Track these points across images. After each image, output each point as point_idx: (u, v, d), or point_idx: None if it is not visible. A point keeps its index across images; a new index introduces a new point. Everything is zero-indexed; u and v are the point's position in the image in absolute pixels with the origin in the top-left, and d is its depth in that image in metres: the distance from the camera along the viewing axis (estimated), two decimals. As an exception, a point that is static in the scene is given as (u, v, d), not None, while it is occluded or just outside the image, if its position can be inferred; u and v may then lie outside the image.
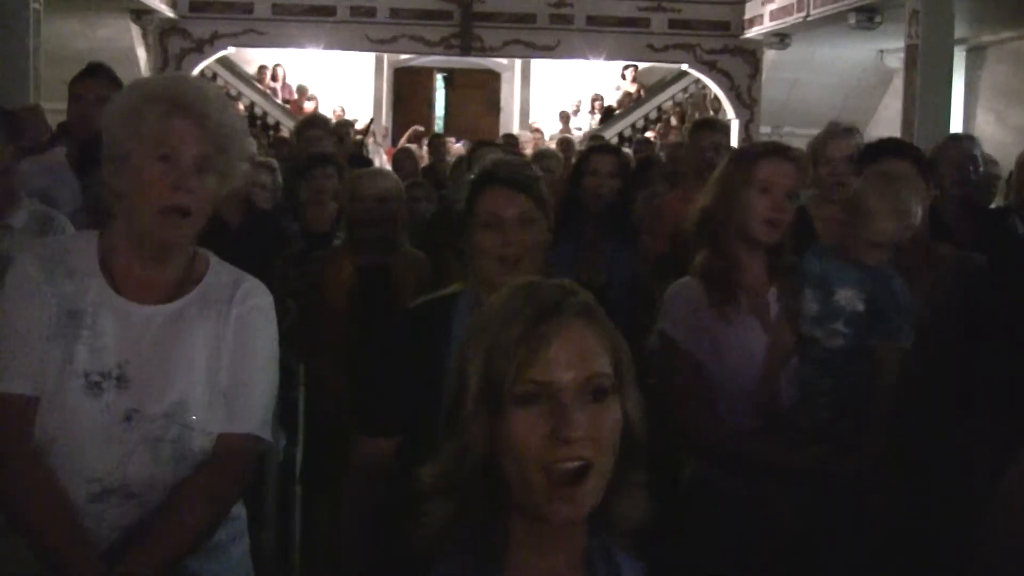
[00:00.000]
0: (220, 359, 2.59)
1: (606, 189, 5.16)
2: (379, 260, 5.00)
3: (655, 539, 1.86)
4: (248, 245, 4.48)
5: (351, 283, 4.99)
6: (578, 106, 20.76)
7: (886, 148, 4.26)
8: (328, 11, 16.98)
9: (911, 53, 12.04)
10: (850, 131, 5.21)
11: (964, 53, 14.09)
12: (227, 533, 2.71)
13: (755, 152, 3.60)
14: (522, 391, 1.64)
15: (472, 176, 3.17)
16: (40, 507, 2.43)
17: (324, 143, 7.67)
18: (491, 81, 22.20)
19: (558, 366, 1.65)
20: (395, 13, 17.12)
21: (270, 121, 17.98)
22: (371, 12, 17.07)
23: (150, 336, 2.53)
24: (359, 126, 16.11)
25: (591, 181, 5.18)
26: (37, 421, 2.46)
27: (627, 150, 11.97)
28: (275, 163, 6.81)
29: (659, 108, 19.51)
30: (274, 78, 19.69)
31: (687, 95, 19.41)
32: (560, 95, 20.86)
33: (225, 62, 17.98)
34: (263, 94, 18.83)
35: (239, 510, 2.80)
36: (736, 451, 3.42)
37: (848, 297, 3.50)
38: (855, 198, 3.63)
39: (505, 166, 3.15)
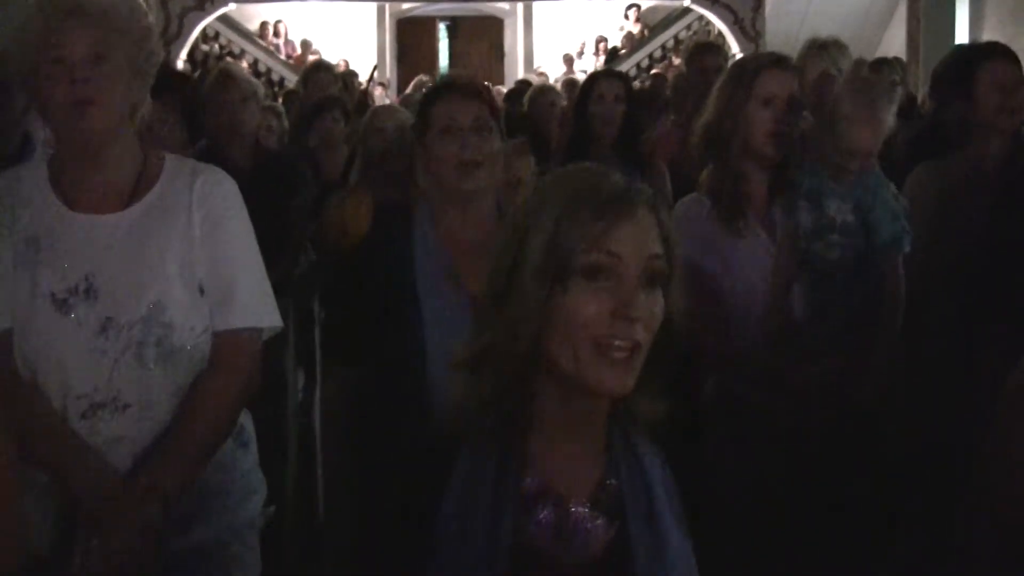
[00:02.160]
0: (193, 255, 2.58)
1: (614, 114, 5.14)
2: (397, 195, 5.00)
3: (675, 443, 1.90)
4: (262, 187, 4.48)
5: (371, 219, 5.00)
6: (582, 48, 20.66)
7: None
8: (329, -40, 16.94)
9: (914, -25, 12.02)
10: (825, 47, 5.15)
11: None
12: (234, 442, 2.72)
13: (755, 65, 3.58)
14: (593, 261, 1.67)
15: (423, 91, 3.19)
16: (39, 429, 2.45)
17: (331, 88, 7.65)
18: (494, 27, 22.10)
19: (630, 244, 1.69)
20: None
21: (274, 77, 17.93)
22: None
23: (115, 244, 2.53)
24: (363, 77, 16.07)
25: (598, 108, 5.16)
26: (16, 351, 2.48)
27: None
28: (280, 107, 6.81)
29: (663, 47, 19.39)
30: (276, 34, 19.61)
31: (691, 32, 19.30)
32: (564, 39, 20.76)
33: (227, 19, 17.93)
34: (266, 50, 18.79)
35: (245, 419, 2.79)
36: (751, 365, 3.44)
37: (838, 208, 3.49)
38: (830, 108, 3.61)
39: (458, 76, 3.18)
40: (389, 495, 1.83)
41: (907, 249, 3.52)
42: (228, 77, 5.39)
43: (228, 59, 15.74)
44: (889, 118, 3.59)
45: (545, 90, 7.95)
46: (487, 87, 3.18)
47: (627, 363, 1.68)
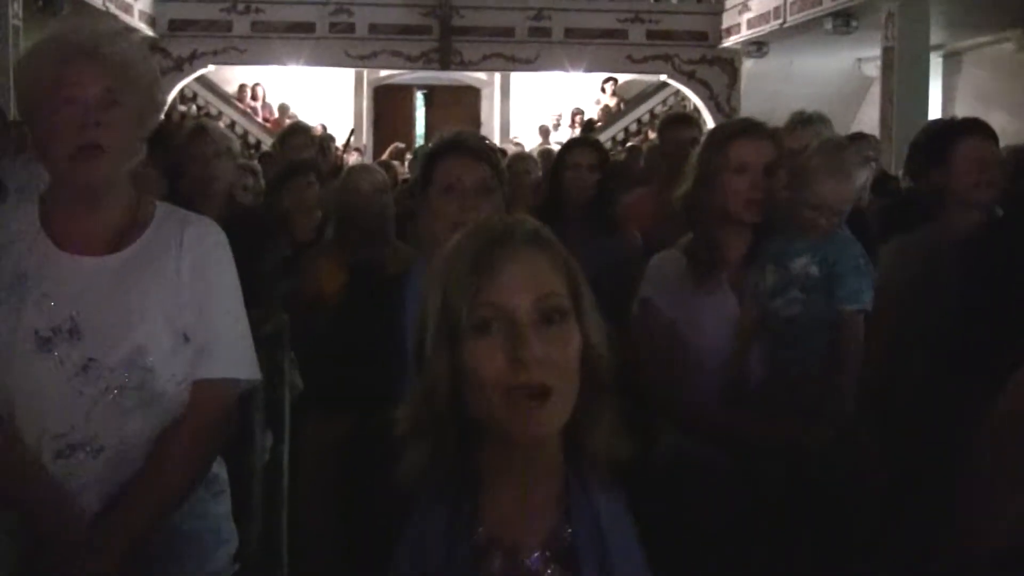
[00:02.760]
0: (178, 302, 2.56)
1: (588, 182, 5.16)
2: (371, 255, 5.00)
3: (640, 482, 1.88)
4: (235, 241, 4.46)
5: (344, 279, 4.99)
6: (558, 120, 20.78)
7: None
8: (308, 27, 17.06)
9: (887, 56, 12.17)
10: (810, 120, 5.21)
11: (941, 59, 14.21)
12: (207, 491, 2.70)
13: (728, 132, 3.61)
14: (477, 318, 1.66)
15: (431, 145, 3.18)
16: (11, 468, 2.43)
17: (307, 152, 7.66)
18: (471, 97, 22.22)
19: (510, 290, 1.67)
20: (374, 28, 17.20)
21: (251, 140, 17.97)
22: (350, 28, 17.15)
23: (102, 286, 2.51)
24: (339, 142, 16.11)
25: (572, 175, 5.17)
26: None
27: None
28: (257, 166, 6.80)
29: (639, 121, 19.55)
30: (254, 97, 19.69)
31: (667, 107, 19.45)
32: (540, 110, 20.88)
33: (204, 81, 18.00)
34: (243, 113, 18.85)
35: (219, 468, 2.77)
36: (708, 422, 3.43)
37: (803, 264, 3.50)
38: (799, 165, 3.63)
39: (465, 135, 3.16)
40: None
41: (867, 306, 3.53)
42: (202, 131, 5.39)
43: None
44: (858, 177, 3.63)
45: (521, 158, 7.98)
46: (495, 149, 3.16)
47: (541, 407, 1.65)
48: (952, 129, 4.44)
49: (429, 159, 3.11)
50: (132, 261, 2.56)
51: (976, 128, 4.35)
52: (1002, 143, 5.42)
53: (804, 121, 5.15)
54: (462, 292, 1.67)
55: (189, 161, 5.20)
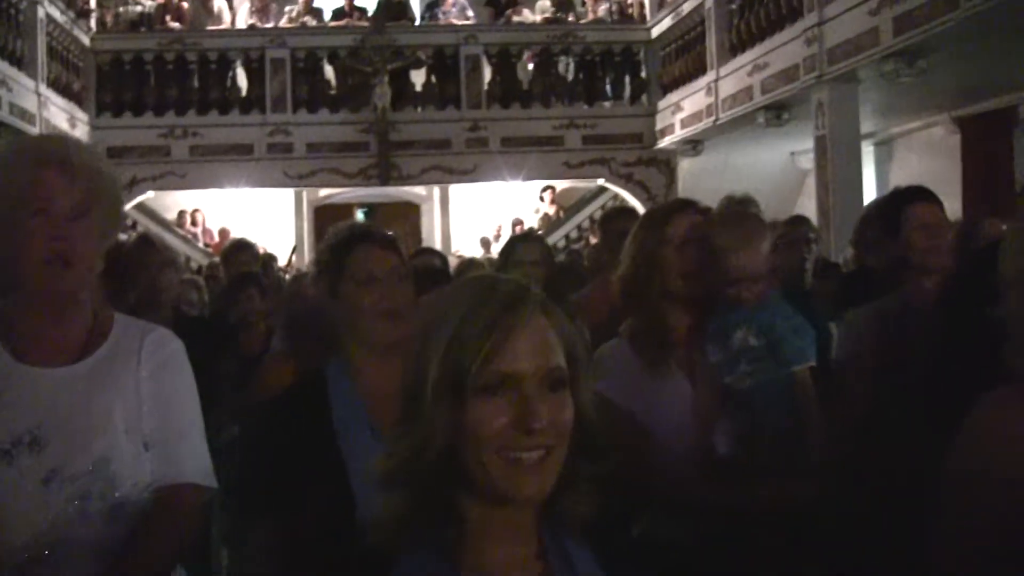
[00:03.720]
0: (140, 411, 2.58)
1: (533, 277, 5.16)
2: (320, 362, 4.96)
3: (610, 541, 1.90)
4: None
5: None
6: (499, 231, 20.88)
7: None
8: (246, 149, 17.11)
9: (820, 145, 12.35)
10: (742, 202, 5.28)
11: (872, 147, 14.44)
12: None
13: (663, 210, 3.68)
14: (487, 381, 1.68)
15: (338, 236, 3.19)
16: None
17: (251, 267, 7.66)
18: (411, 213, 22.31)
19: (521, 357, 1.70)
20: (312, 148, 17.29)
21: (193, 266, 17.93)
22: (288, 148, 17.22)
23: (63, 398, 2.51)
24: (281, 263, 16.13)
25: (517, 272, 5.18)
26: None
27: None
28: (201, 281, 6.80)
29: (579, 227, 19.67)
30: (194, 223, 19.67)
31: (605, 213, 19.56)
32: (480, 222, 21.00)
33: (144, 208, 17.97)
34: (184, 239, 18.81)
35: (180, 573, 2.76)
36: (683, 497, 3.42)
37: (741, 337, 3.53)
38: (709, 243, 3.66)
39: (372, 226, 3.20)
40: None
41: (812, 361, 3.55)
42: (148, 242, 5.40)
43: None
44: (764, 242, 3.65)
45: (471, 264, 8.05)
46: (399, 237, 3.20)
47: (539, 468, 1.69)
48: (899, 198, 4.51)
49: (339, 250, 3.12)
50: (93, 371, 2.57)
51: (921, 194, 4.43)
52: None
53: (738, 203, 5.22)
54: (472, 353, 1.69)
55: (136, 273, 5.19)
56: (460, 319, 1.72)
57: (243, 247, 8.42)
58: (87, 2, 16.97)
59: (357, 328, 3.06)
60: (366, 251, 3.08)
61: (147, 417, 2.59)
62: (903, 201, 4.42)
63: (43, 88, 14.09)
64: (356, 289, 3.04)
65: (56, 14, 14.87)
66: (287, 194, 19.91)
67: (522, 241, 5.57)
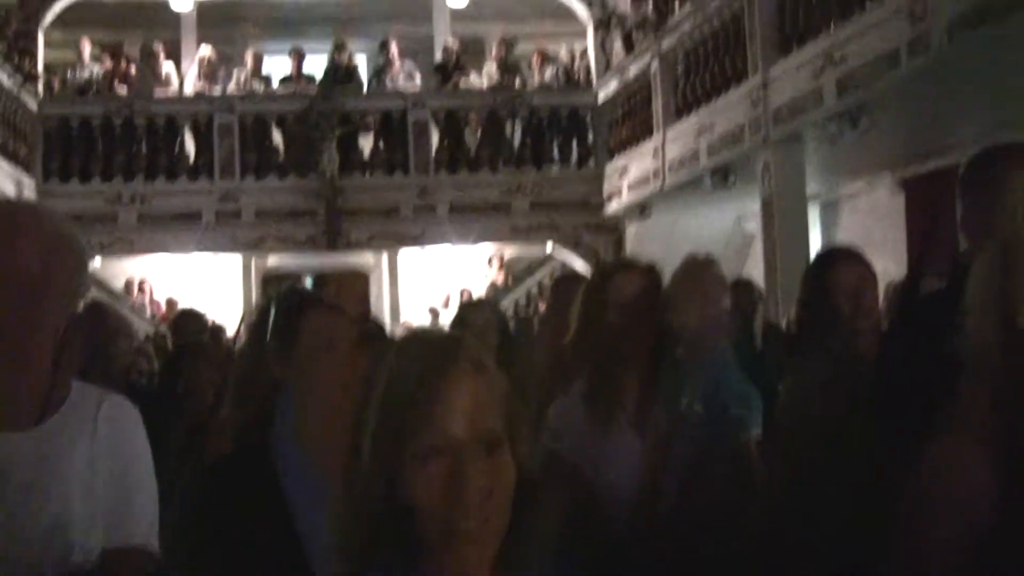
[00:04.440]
0: (95, 477, 2.56)
1: (487, 342, 5.17)
2: (262, 435, 4.91)
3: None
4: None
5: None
6: (447, 300, 20.86)
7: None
8: (194, 216, 17.08)
9: (767, 207, 12.45)
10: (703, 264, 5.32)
11: (819, 209, 14.57)
12: None
13: (607, 270, 3.71)
14: (419, 449, 1.66)
15: (285, 302, 3.17)
16: None
17: (200, 337, 7.63)
18: (360, 281, 22.24)
19: (454, 421, 1.66)
20: (261, 214, 17.29)
21: (140, 336, 17.75)
22: (237, 214, 17.21)
23: (19, 463, 2.48)
24: (230, 333, 16.02)
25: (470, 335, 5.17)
26: None
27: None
28: (151, 350, 6.76)
29: (527, 294, 19.69)
30: (141, 291, 19.54)
31: (553, 278, 19.61)
32: (429, 290, 20.96)
33: (91, 278, 17.84)
34: (132, 308, 18.65)
35: None
36: (627, 551, 3.43)
37: (688, 402, 3.56)
38: (665, 296, 3.68)
39: (323, 294, 3.19)
40: None
41: (756, 431, 3.57)
42: (99, 310, 5.37)
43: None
44: (719, 297, 3.68)
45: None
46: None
47: (476, 538, 1.67)
48: (824, 260, 4.52)
49: (289, 318, 3.10)
50: (49, 437, 2.55)
51: (843, 256, 4.43)
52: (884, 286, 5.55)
53: (698, 264, 5.25)
54: (402, 418, 1.66)
55: (86, 339, 5.15)
56: (391, 384, 1.70)
57: (191, 316, 8.39)
58: (34, 67, 16.96)
59: (319, 396, 3.00)
60: (320, 317, 3.06)
61: (103, 483, 2.57)
62: (827, 263, 4.43)
63: (-10, 153, 13.98)
64: (316, 357, 2.99)
65: (3, 79, 14.85)
66: (235, 262, 19.81)
67: (473, 308, 5.58)
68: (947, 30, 8.59)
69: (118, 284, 19.38)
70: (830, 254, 4.55)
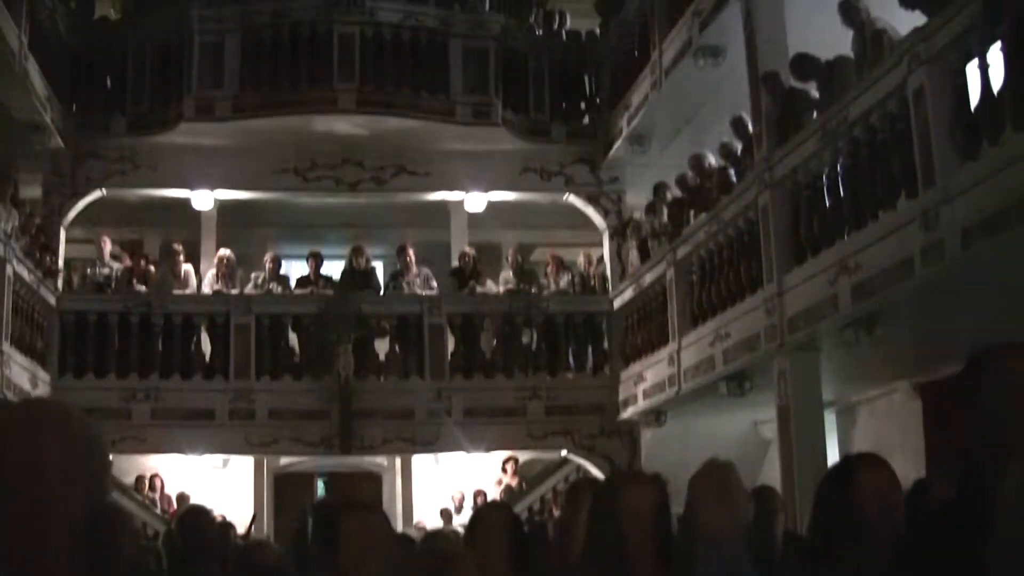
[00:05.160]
0: None
1: (502, 543, 5.09)
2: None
3: None
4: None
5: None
6: (460, 503, 20.68)
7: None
8: (208, 414, 17.05)
9: (783, 414, 12.39)
10: (725, 467, 5.27)
11: (835, 416, 14.50)
12: None
13: (615, 484, 3.69)
14: None
15: (323, 508, 3.17)
16: None
17: (208, 533, 7.55)
18: (372, 483, 22.09)
19: None
20: (274, 414, 17.25)
21: (150, 532, 17.59)
22: (250, 414, 17.17)
23: None
24: (240, 531, 15.85)
25: (484, 537, 5.10)
26: None
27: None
28: (160, 547, 6.68)
29: (542, 499, 19.50)
30: (152, 487, 19.41)
31: (568, 484, 19.47)
32: (442, 493, 20.79)
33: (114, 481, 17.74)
34: (142, 505, 18.51)
35: None
36: None
37: None
38: (687, 499, 3.65)
39: (356, 497, 3.19)
40: None
41: None
42: (107, 508, 5.32)
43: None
44: (738, 502, 3.64)
45: (436, 537, 7.96)
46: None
47: None
48: (851, 464, 4.48)
49: (329, 521, 3.10)
50: None
51: (871, 461, 4.38)
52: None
53: (718, 468, 5.21)
54: None
55: (93, 538, 5.10)
56: None
57: (199, 513, 8.31)
58: (55, 262, 17.16)
59: None
60: (358, 521, 3.05)
61: None
62: (853, 469, 4.38)
63: (6, 346, 14.07)
64: (358, 557, 2.97)
65: (24, 273, 14.98)
66: (247, 462, 19.73)
67: (489, 511, 5.53)
68: (961, 238, 8.64)
69: (129, 479, 19.27)
70: (857, 459, 4.50)
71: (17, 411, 2.56)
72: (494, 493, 20.47)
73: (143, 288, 18.20)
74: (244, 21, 18.21)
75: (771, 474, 14.36)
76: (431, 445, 17.95)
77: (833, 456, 12.96)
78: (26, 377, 15.02)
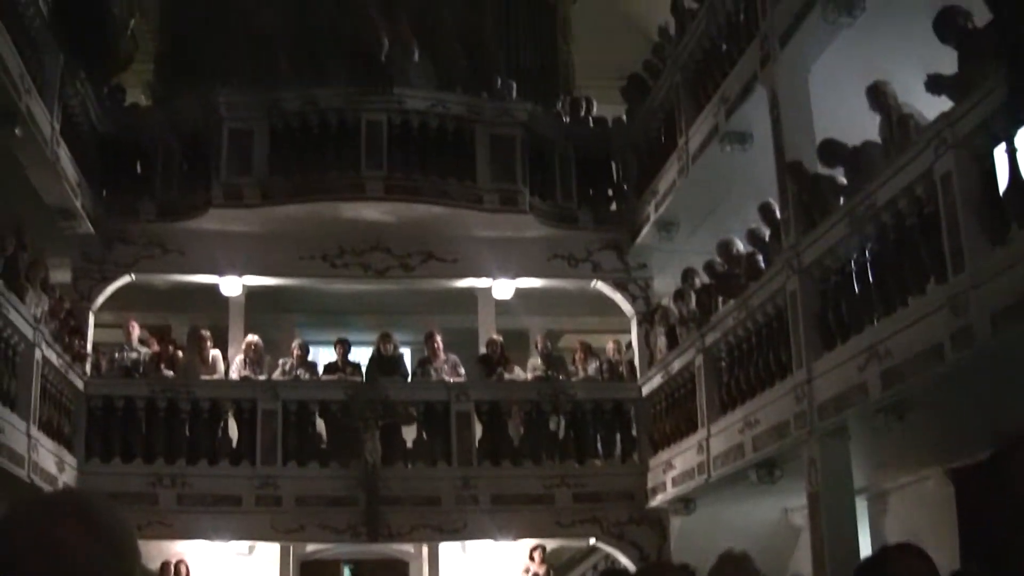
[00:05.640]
0: None
1: None
2: None
3: None
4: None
5: None
6: (488, 591, 20.51)
7: None
8: (234, 500, 16.98)
9: (814, 502, 12.26)
10: (741, 560, 5.20)
11: (866, 502, 14.34)
12: None
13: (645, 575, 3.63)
14: None
15: None
16: None
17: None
18: (398, 571, 21.92)
19: None
20: (301, 501, 17.16)
21: (175, 621, 17.50)
22: (277, 501, 17.09)
23: None
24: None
25: None
26: None
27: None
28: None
29: (570, 587, 19.35)
30: (178, 574, 19.26)
31: (597, 572, 19.31)
32: (470, 580, 20.62)
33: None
34: (168, 589, 18.42)
35: None
36: None
37: None
38: None
39: None
40: None
41: None
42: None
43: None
44: None
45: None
46: None
47: None
48: (887, 553, 4.41)
49: None
50: None
51: (909, 552, 4.32)
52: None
53: (733, 562, 5.15)
54: None
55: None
56: None
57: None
58: (83, 347, 17.21)
59: None
60: None
61: None
62: (890, 559, 4.32)
63: (34, 430, 14.05)
64: None
65: (52, 357, 15.02)
66: (273, 549, 19.60)
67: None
68: (991, 323, 8.57)
69: (155, 565, 19.13)
70: (894, 549, 4.44)
71: (40, 504, 2.53)
72: (522, 582, 20.29)
73: (170, 373, 18.23)
74: (272, 108, 18.38)
75: (802, 562, 14.19)
76: (458, 533, 17.80)
77: (865, 543, 12.81)
78: (53, 461, 14.99)
